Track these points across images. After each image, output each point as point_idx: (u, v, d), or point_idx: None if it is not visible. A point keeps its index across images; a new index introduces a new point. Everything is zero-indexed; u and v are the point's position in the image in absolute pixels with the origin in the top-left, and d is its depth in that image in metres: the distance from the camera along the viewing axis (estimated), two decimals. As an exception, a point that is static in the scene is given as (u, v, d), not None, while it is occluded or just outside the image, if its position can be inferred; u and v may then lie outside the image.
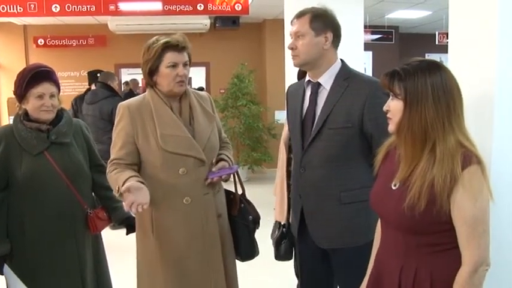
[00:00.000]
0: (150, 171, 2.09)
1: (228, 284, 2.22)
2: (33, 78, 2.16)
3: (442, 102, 1.41)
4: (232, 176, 2.25)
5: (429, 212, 1.41)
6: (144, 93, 2.21)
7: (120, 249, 3.17)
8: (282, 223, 2.42)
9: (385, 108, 1.52)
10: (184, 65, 2.11)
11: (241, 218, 2.28)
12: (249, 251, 2.32)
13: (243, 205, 2.29)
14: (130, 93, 7.91)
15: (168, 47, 2.07)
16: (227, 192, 2.33)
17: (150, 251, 2.16)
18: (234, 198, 2.31)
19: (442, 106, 1.41)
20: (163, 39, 2.09)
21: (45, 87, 2.17)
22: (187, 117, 2.16)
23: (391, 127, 1.51)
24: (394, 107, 1.48)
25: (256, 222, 2.30)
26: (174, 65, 2.07)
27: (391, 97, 1.49)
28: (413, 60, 1.48)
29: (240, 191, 2.33)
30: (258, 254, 2.35)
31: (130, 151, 2.09)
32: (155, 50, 2.07)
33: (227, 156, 2.24)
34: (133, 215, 2.36)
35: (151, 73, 2.11)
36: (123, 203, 1.91)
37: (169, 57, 2.07)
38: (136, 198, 1.88)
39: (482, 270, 1.40)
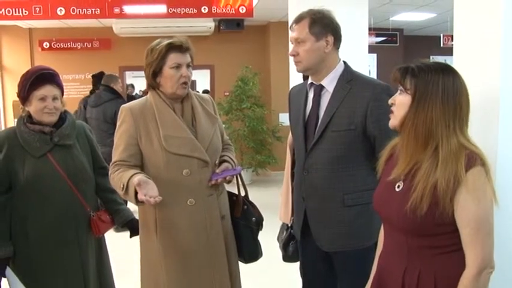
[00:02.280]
0: (153, 173, 2.08)
1: (232, 286, 2.22)
2: (36, 80, 2.17)
3: (450, 104, 1.41)
4: (235, 177, 2.25)
5: (432, 214, 1.40)
6: (146, 96, 2.21)
7: (124, 252, 3.17)
8: (289, 224, 2.41)
9: (390, 101, 1.51)
10: (188, 66, 2.11)
11: (244, 220, 2.28)
12: (252, 253, 2.31)
13: (246, 207, 2.29)
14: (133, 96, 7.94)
15: (171, 48, 2.07)
16: (230, 194, 2.33)
17: (154, 252, 2.16)
18: (237, 200, 2.30)
19: (450, 108, 1.41)
20: (166, 41, 2.09)
21: (48, 90, 2.18)
22: (190, 119, 2.16)
23: (393, 121, 1.51)
24: (400, 100, 1.47)
25: (259, 223, 2.30)
26: (178, 66, 2.07)
27: (399, 91, 1.49)
28: (428, 61, 1.49)
29: (243, 193, 2.33)
30: (261, 255, 2.34)
31: (133, 153, 2.09)
32: (159, 51, 2.07)
33: (230, 158, 2.24)
34: (137, 218, 2.37)
35: (154, 75, 2.11)
36: (138, 195, 1.89)
37: (173, 58, 2.07)
38: (148, 191, 1.88)
39: (486, 272, 1.39)
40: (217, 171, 2.14)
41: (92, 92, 5.91)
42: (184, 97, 2.17)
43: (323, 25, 2.00)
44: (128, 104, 2.20)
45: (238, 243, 2.29)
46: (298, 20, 2.03)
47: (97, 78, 5.87)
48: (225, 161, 2.21)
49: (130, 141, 2.09)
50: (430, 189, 1.40)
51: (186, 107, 2.17)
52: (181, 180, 2.08)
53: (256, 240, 2.31)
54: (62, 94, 2.27)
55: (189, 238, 2.12)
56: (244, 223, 2.27)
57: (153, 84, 2.14)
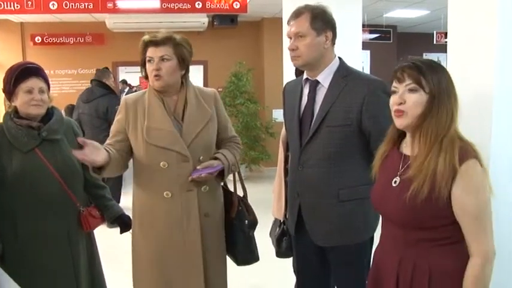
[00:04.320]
0: (137, 163, 2.18)
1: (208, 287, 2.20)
2: (21, 73, 2.16)
3: (455, 96, 1.48)
4: (233, 176, 2.24)
5: (429, 199, 1.43)
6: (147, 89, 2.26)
7: (115, 246, 3.16)
8: (282, 220, 2.42)
9: (398, 100, 1.49)
10: (162, 59, 2.11)
11: (238, 221, 2.27)
12: (245, 256, 2.30)
13: (240, 208, 2.27)
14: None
15: (147, 43, 2.14)
16: (227, 192, 2.32)
17: (136, 243, 2.24)
18: (232, 199, 2.29)
19: (455, 101, 1.48)
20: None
21: (34, 82, 2.17)
22: (181, 112, 2.18)
23: (404, 121, 1.50)
24: (415, 99, 1.47)
25: (252, 227, 2.28)
26: (150, 60, 2.13)
27: (408, 90, 1.48)
28: (420, 58, 1.52)
29: (241, 193, 2.31)
30: (257, 260, 2.33)
31: (119, 139, 2.17)
32: (140, 46, 2.16)
33: (223, 155, 2.21)
34: (126, 214, 2.38)
35: (143, 69, 2.19)
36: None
37: (148, 52, 2.14)
38: (90, 152, 1.90)
39: (493, 259, 1.44)
40: (198, 167, 2.12)
41: None
42: (181, 90, 2.20)
43: (324, 21, 2.00)
44: (128, 95, 2.29)
45: (231, 244, 2.28)
46: (298, 14, 2.01)
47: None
48: (215, 158, 2.19)
49: (120, 129, 2.18)
50: (431, 174, 1.43)
51: (180, 100, 2.19)
52: (158, 172, 2.12)
53: (250, 244, 2.29)
54: (49, 89, 2.25)
55: (165, 231, 2.14)
56: (238, 224, 2.26)
57: (146, 77, 2.20)
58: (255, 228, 2.30)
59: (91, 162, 1.93)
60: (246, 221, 2.26)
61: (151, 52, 2.12)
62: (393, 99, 1.52)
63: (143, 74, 2.21)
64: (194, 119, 2.17)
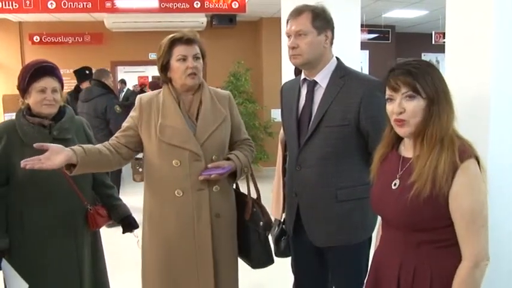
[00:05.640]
0: (149, 160, 2.17)
1: None
2: (36, 72, 2.18)
3: (450, 97, 1.47)
4: (246, 178, 2.25)
5: (430, 198, 1.42)
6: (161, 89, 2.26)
7: (120, 248, 3.16)
8: (281, 220, 2.42)
9: (397, 110, 1.47)
10: (196, 58, 2.14)
11: (252, 223, 2.25)
12: (260, 259, 2.28)
13: (255, 210, 2.26)
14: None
15: (175, 41, 2.13)
16: (242, 195, 2.31)
17: (145, 241, 2.22)
18: (246, 201, 2.28)
19: (451, 101, 1.47)
20: (171, 35, 2.15)
21: (48, 82, 2.19)
22: (195, 112, 2.17)
23: (408, 129, 1.48)
24: (414, 107, 1.45)
25: (267, 228, 2.26)
26: (184, 58, 2.11)
27: (405, 98, 1.46)
28: (412, 60, 1.50)
29: (253, 194, 2.31)
30: (272, 263, 2.31)
31: (127, 134, 2.18)
32: (164, 45, 2.14)
33: (236, 156, 2.20)
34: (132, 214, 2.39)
35: (164, 69, 2.17)
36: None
37: (178, 50, 2.12)
38: (45, 157, 1.87)
39: (483, 264, 1.42)
40: (209, 166, 2.12)
41: (76, 88, 5.90)
42: (196, 91, 2.20)
43: (324, 20, 2.01)
44: (143, 94, 2.29)
45: (246, 247, 2.27)
46: (299, 12, 2.01)
47: (79, 73, 5.85)
48: (228, 158, 2.19)
49: (130, 125, 2.19)
50: (433, 173, 1.42)
51: (195, 100, 2.19)
52: (170, 170, 2.11)
53: (266, 246, 2.27)
54: (62, 88, 2.29)
55: (174, 230, 2.13)
56: (252, 226, 2.25)
57: (165, 79, 2.20)
58: (270, 229, 2.28)
59: (44, 164, 1.88)
60: (261, 222, 2.24)
61: (184, 50, 2.12)
62: (391, 108, 1.50)
63: (166, 76, 2.18)
64: (208, 118, 2.17)
